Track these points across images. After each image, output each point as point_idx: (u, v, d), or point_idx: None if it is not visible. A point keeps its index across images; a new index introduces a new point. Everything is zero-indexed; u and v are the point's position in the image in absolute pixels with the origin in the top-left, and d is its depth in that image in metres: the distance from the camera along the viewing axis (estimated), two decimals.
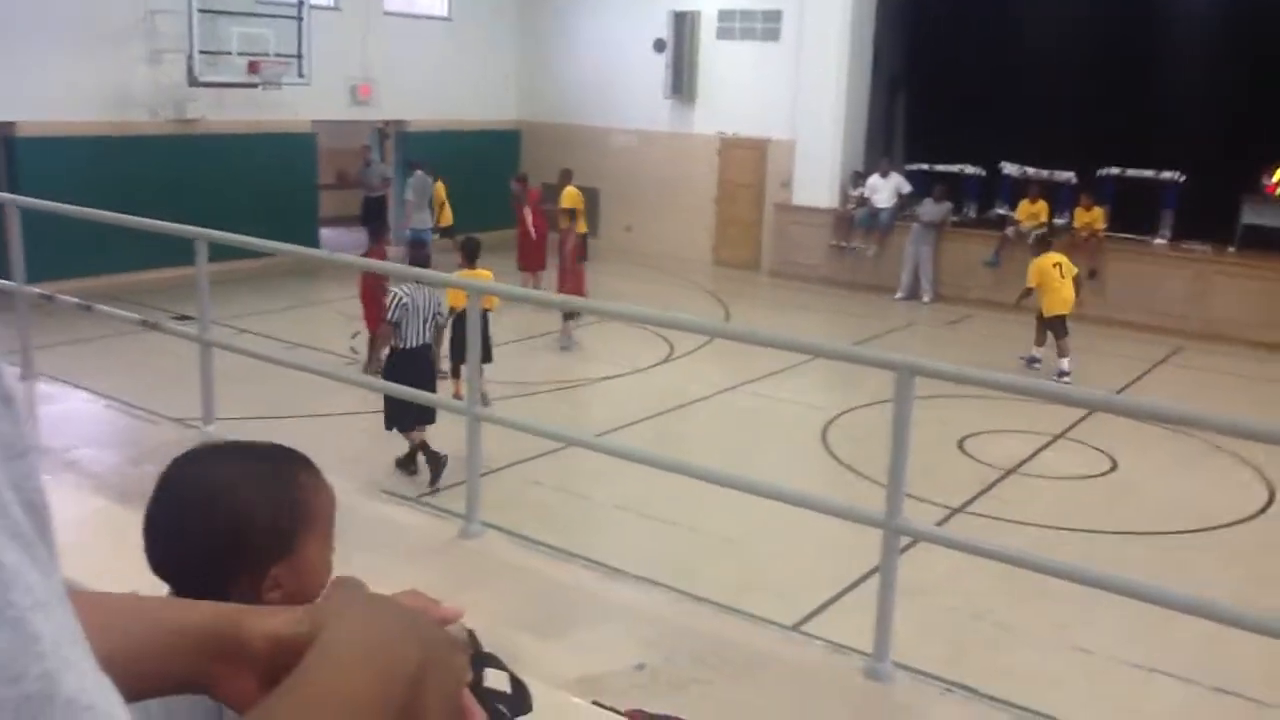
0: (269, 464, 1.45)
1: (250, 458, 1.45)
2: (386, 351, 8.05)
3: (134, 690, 0.43)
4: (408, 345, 7.67)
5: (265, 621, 0.71)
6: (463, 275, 9.35)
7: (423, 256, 9.76)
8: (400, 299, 7.69)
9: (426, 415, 7.64)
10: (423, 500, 7.23)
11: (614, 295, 14.52)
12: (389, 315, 7.73)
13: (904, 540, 4.22)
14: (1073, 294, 11.74)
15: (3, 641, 0.37)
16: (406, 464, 7.91)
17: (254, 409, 8.58)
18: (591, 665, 3.88)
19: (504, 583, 4.58)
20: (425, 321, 7.77)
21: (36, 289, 7.41)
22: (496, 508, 6.08)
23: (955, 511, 7.86)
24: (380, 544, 4.89)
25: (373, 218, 16.32)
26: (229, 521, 1.36)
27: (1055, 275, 11.65)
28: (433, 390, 7.49)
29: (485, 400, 7.76)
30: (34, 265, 7.37)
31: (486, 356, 8.33)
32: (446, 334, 8.42)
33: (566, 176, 14.61)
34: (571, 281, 12.31)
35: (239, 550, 1.36)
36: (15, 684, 0.37)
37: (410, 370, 7.28)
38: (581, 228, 13.85)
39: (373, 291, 10.31)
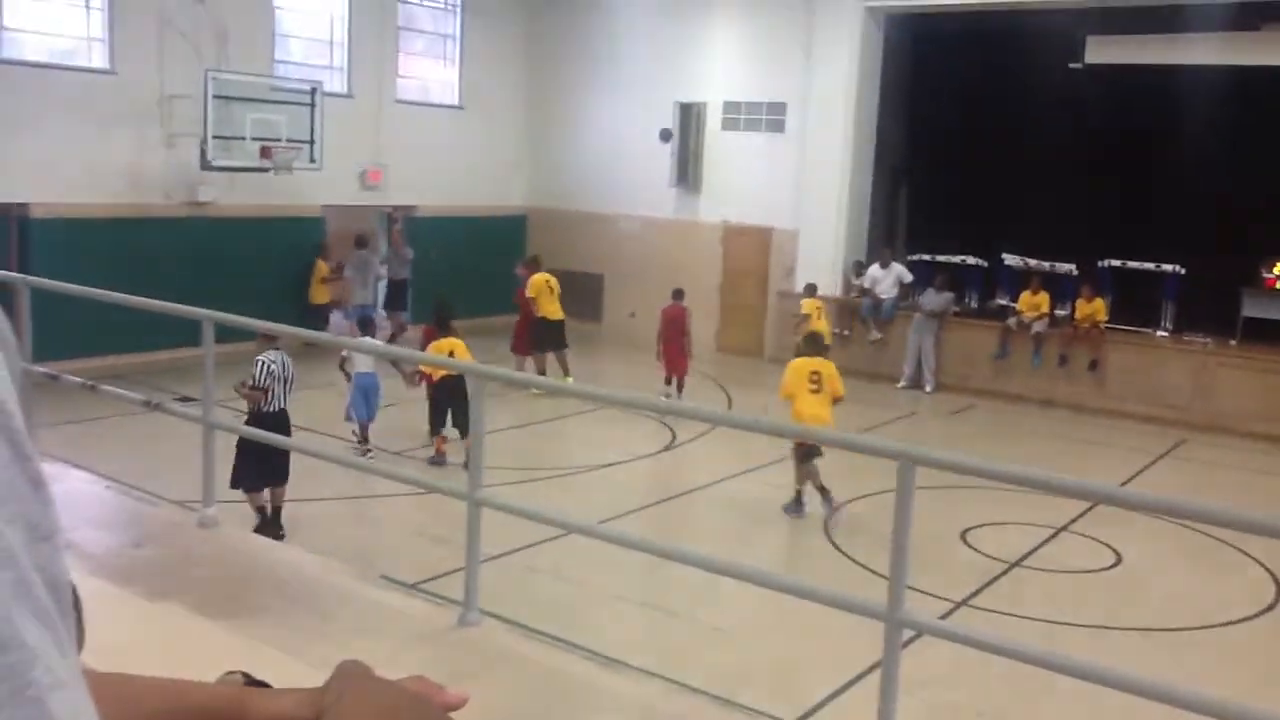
0: None
1: None
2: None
3: None
4: (270, 409, 8.04)
5: (270, 704, 0.71)
6: (435, 345, 10.28)
7: (371, 332, 11.19)
8: (269, 365, 8.02)
9: (279, 475, 8.09)
10: (419, 588, 7.16)
11: (616, 381, 14.55)
12: (258, 381, 8.03)
13: (907, 634, 4.17)
14: (826, 412, 9.44)
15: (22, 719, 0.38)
16: (264, 529, 7.98)
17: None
18: None
19: (501, 672, 4.52)
20: (287, 386, 8.12)
21: (42, 368, 7.44)
22: (494, 595, 6.02)
23: (958, 605, 7.77)
24: (377, 630, 4.84)
25: (398, 300, 16.71)
26: None
27: (806, 386, 9.47)
28: (286, 454, 7.91)
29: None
30: (41, 344, 7.44)
31: (463, 421, 9.45)
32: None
33: (534, 265, 14.93)
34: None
35: None
36: None
37: (270, 431, 7.71)
38: (547, 311, 14.27)
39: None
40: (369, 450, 10.70)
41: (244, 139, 14.73)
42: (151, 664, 1.37)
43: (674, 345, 13.86)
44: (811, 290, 15.28)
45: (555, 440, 12.00)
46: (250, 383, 8.03)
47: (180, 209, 14.97)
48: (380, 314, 15.61)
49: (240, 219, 15.48)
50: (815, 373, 9.50)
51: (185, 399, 7.89)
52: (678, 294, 14.31)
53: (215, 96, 14.31)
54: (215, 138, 14.40)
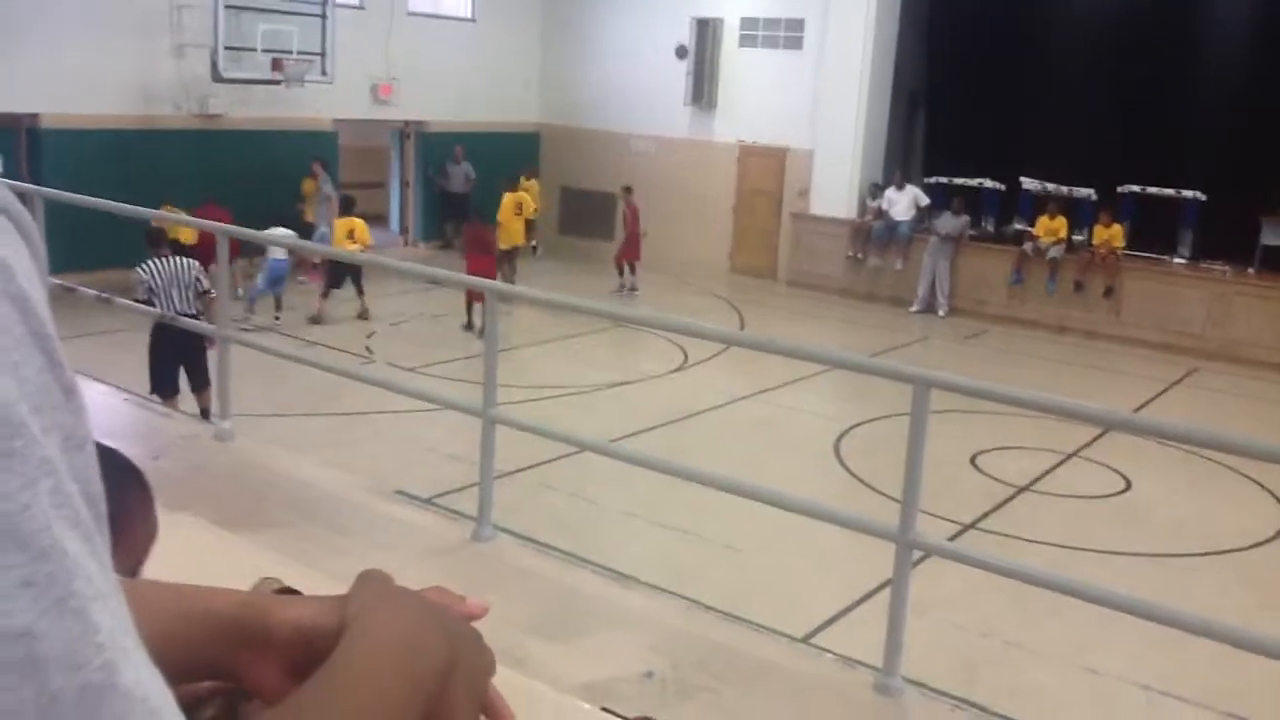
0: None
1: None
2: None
3: (164, 677, 0.44)
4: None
5: (292, 611, 0.72)
6: (338, 223, 13.21)
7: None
8: (141, 279, 8.06)
9: (196, 379, 8.20)
10: (433, 502, 7.24)
11: (630, 300, 14.54)
12: (136, 295, 8.06)
13: (915, 555, 4.20)
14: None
15: (65, 631, 0.38)
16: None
17: (269, 406, 8.63)
18: (600, 671, 3.87)
19: (514, 586, 4.58)
20: (184, 291, 8.05)
21: (58, 280, 7.45)
22: (508, 511, 6.08)
23: (967, 528, 7.83)
24: (393, 544, 4.90)
25: (455, 215, 16.71)
26: None
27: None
28: (202, 356, 7.97)
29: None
30: (55, 257, 7.40)
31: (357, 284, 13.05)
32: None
33: (509, 184, 15.10)
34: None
35: None
36: (76, 672, 0.37)
37: (170, 340, 7.89)
38: (507, 233, 14.35)
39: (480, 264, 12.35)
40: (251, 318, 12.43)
41: (255, 50, 14.55)
42: (172, 573, 1.38)
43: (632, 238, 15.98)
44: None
45: (565, 359, 12.03)
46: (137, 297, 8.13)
47: (190, 120, 14.84)
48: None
49: (251, 131, 15.35)
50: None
51: (194, 316, 7.91)
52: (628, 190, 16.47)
53: (226, 6, 14.10)
54: (226, 48, 14.22)
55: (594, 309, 7.54)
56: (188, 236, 11.86)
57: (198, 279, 8.16)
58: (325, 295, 13.13)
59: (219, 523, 4.58)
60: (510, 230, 14.39)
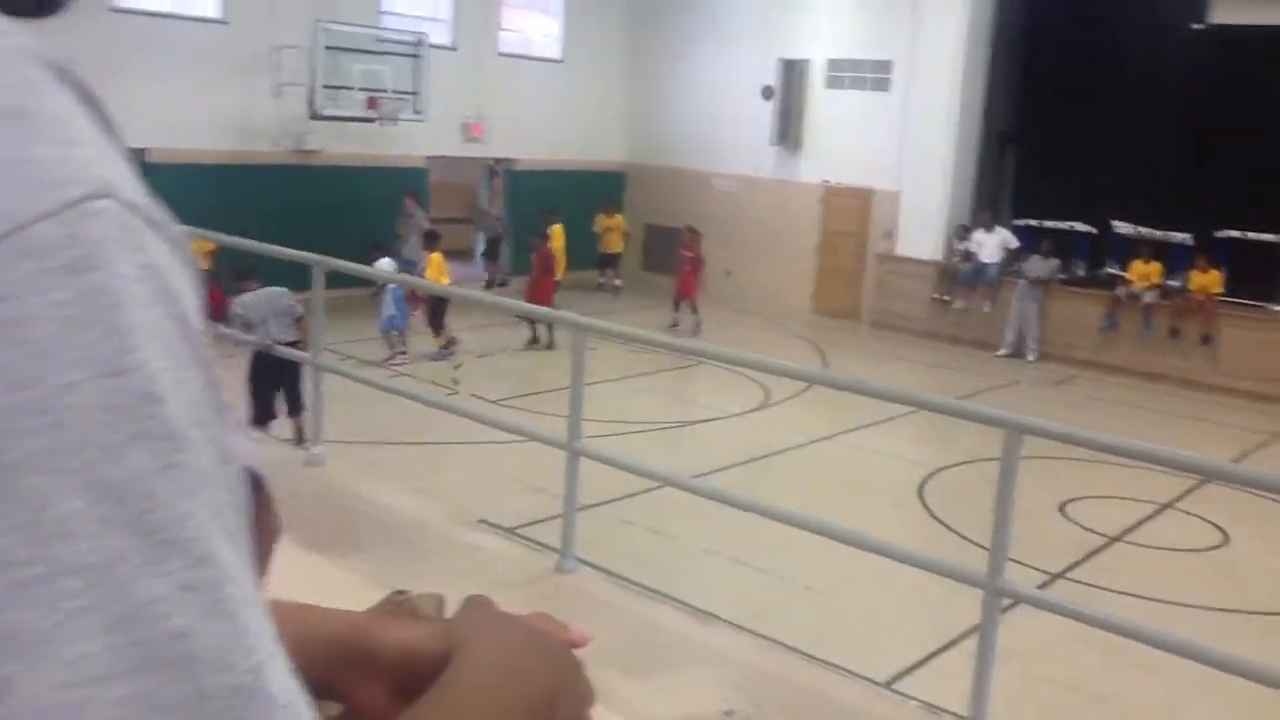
0: None
1: None
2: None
3: None
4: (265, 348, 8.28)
5: (399, 633, 0.72)
6: (429, 259, 13.17)
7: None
8: (236, 314, 8.27)
9: (296, 405, 8.38)
10: (515, 533, 7.29)
11: (711, 337, 14.54)
12: (233, 327, 8.27)
13: (1004, 603, 4.12)
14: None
15: (219, 634, 0.39)
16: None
17: (357, 433, 8.79)
18: (680, 707, 3.86)
19: (595, 619, 4.58)
20: (280, 317, 8.24)
21: None
22: (588, 544, 6.10)
23: (1055, 577, 7.64)
24: (475, 572, 4.95)
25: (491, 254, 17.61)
26: None
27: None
28: (298, 381, 8.18)
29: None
30: None
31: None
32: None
33: (553, 216, 15.42)
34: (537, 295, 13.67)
35: None
36: (227, 674, 0.39)
37: (268, 368, 8.13)
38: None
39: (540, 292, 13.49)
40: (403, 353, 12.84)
41: (351, 89, 14.96)
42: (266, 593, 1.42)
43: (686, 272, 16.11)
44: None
45: (647, 395, 12.06)
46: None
47: (289, 156, 15.29)
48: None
49: (346, 168, 15.75)
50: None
51: (293, 343, 8.10)
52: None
53: (325, 48, 14.55)
54: (324, 87, 14.65)
55: (676, 345, 7.57)
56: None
57: (290, 305, 8.37)
58: (437, 331, 13.19)
59: (305, 545, 4.68)
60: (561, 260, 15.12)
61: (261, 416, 8.45)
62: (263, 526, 1.50)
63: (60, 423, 0.38)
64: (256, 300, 8.29)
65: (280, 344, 8.01)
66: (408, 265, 14.43)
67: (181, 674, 0.38)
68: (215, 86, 14.32)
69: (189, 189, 13.91)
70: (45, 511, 0.37)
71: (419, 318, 13.51)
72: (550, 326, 13.61)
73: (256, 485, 1.51)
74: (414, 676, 0.67)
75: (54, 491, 0.37)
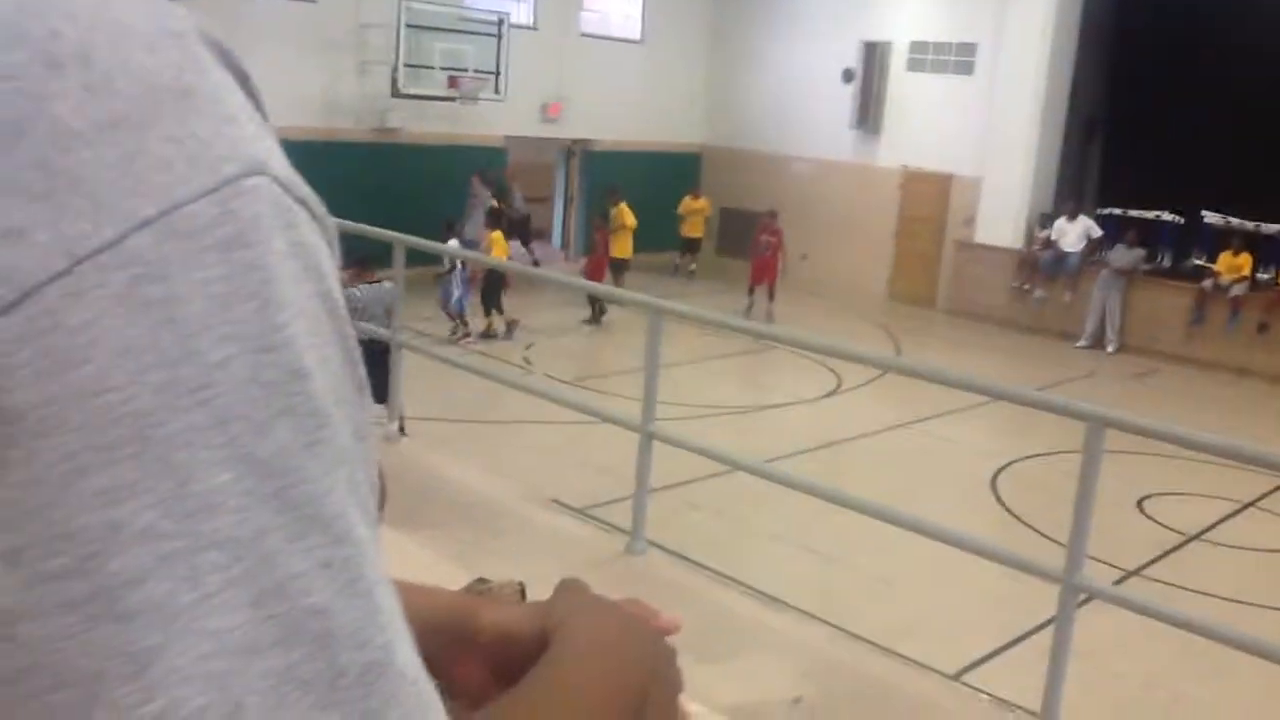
0: None
1: None
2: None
3: None
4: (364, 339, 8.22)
5: (499, 614, 0.74)
6: (490, 237, 13.11)
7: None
8: (353, 303, 8.16)
9: (377, 395, 8.23)
10: (585, 513, 7.36)
11: (784, 322, 14.47)
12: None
13: (1080, 598, 4.07)
14: None
15: (355, 610, 0.40)
16: None
17: (433, 410, 8.92)
18: (749, 694, 3.88)
19: (666, 602, 4.55)
20: (379, 314, 8.20)
21: None
22: (657, 526, 6.13)
23: (1130, 574, 7.50)
24: (546, 551, 5.01)
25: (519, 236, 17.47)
26: None
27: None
28: (382, 374, 8.06)
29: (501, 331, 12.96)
30: None
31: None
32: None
33: (615, 196, 15.29)
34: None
35: None
36: (361, 650, 0.40)
37: (370, 358, 7.91)
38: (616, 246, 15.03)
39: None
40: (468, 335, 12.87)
41: (433, 68, 15.11)
42: None
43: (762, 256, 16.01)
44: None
45: (719, 379, 12.05)
46: None
47: (371, 134, 15.50)
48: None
49: (425, 146, 15.92)
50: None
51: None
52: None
53: (408, 25, 14.70)
54: (406, 66, 14.82)
55: (750, 329, 7.55)
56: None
57: (394, 300, 8.50)
58: (487, 312, 13.19)
59: (384, 521, 4.78)
60: (621, 242, 15.11)
61: (380, 399, 8.58)
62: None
63: (211, 398, 0.38)
64: (372, 293, 8.35)
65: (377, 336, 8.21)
66: (470, 244, 14.51)
67: (319, 650, 0.39)
68: (301, 64, 14.55)
69: None
70: (193, 485, 0.38)
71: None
72: (600, 302, 13.92)
73: None
74: (511, 658, 0.68)
75: (203, 465, 0.38)
